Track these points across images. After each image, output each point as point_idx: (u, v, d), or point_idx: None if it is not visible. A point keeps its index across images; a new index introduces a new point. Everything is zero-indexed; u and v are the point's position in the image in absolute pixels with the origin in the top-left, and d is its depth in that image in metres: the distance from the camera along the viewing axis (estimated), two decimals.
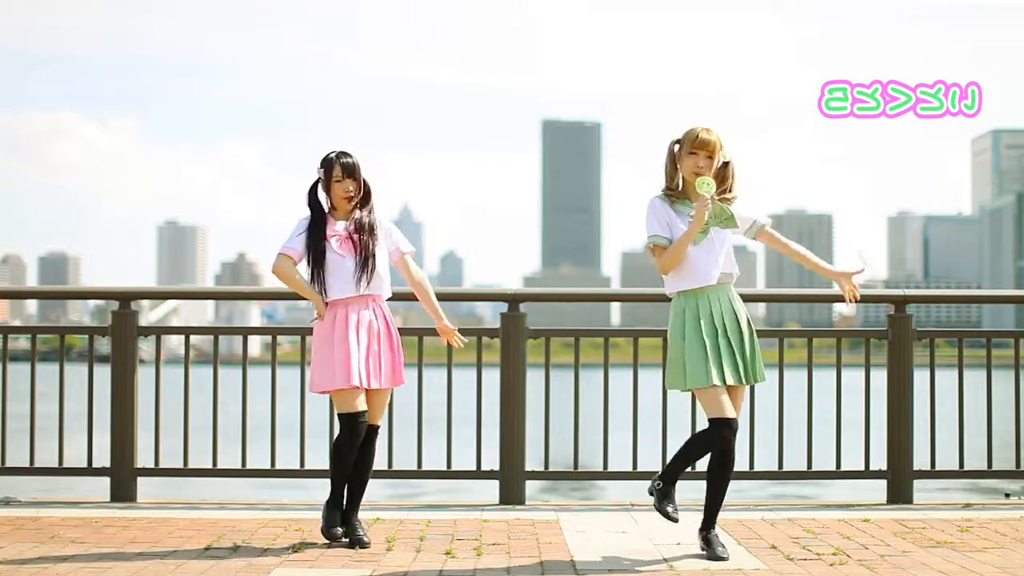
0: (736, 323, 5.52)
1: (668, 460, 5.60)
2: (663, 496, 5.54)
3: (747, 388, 5.64)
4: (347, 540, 5.74)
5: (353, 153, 5.86)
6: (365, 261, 5.77)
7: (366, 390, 5.79)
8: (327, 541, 5.79)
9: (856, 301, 5.89)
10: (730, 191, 5.57)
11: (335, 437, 5.85)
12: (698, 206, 5.39)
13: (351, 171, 5.79)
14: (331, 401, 6.14)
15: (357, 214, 5.82)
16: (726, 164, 5.54)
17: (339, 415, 5.80)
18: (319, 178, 5.82)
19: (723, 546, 5.50)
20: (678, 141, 5.55)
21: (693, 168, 5.45)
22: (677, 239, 5.44)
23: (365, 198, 5.85)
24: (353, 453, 5.79)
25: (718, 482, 5.54)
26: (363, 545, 5.68)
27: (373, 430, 5.86)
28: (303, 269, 5.86)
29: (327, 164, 5.80)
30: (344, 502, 5.83)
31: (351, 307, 5.78)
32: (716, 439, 5.43)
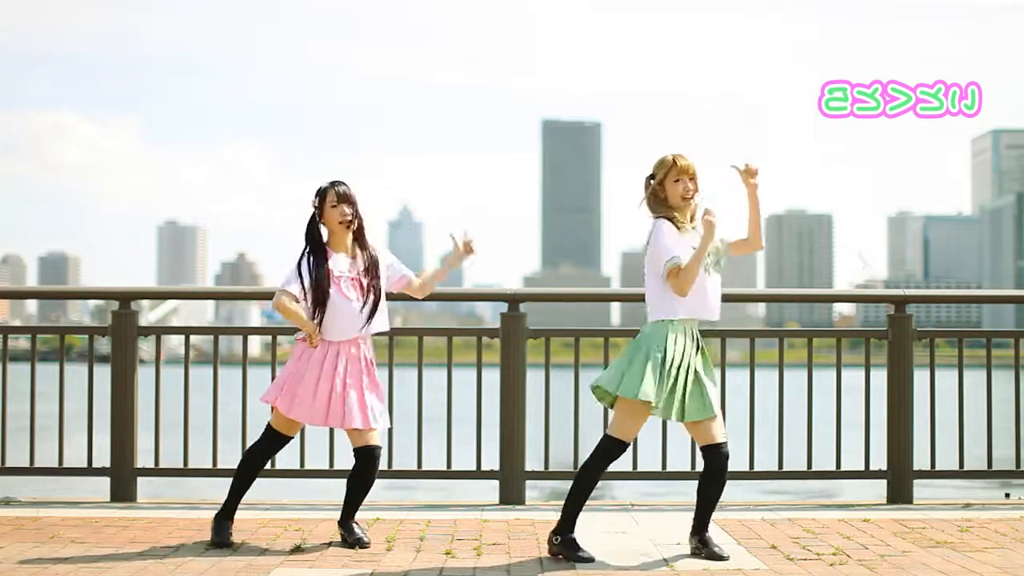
0: (702, 359, 5.53)
1: (567, 503, 5.57)
2: (571, 546, 5.48)
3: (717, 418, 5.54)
4: (347, 541, 5.74)
5: (347, 183, 5.84)
6: (375, 304, 5.77)
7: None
8: (326, 541, 5.80)
9: (747, 171, 5.57)
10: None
11: (254, 443, 5.91)
12: (706, 223, 5.42)
13: (346, 197, 5.77)
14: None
15: (360, 253, 5.80)
16: None
17: (270, 426, 5.85)
18: (314, 210, 5.80)
19: (719, 546, 5.50)
20: (652, 176, 5.57)
21: (683, 193, 5.49)
22: (690, 259, 5.43)
23: (359, 231, 5.83)
24: (262, 464, 5.86)
25: (712, 494, 5.54)
26: (363, 545, 5.68)
27: (372, 451, 5.79)
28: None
29: (321, 192, 5.79)
30: (235, 512, 5.87)
31: (345, 345, 5.76)
32: (606, 458, 5.55)
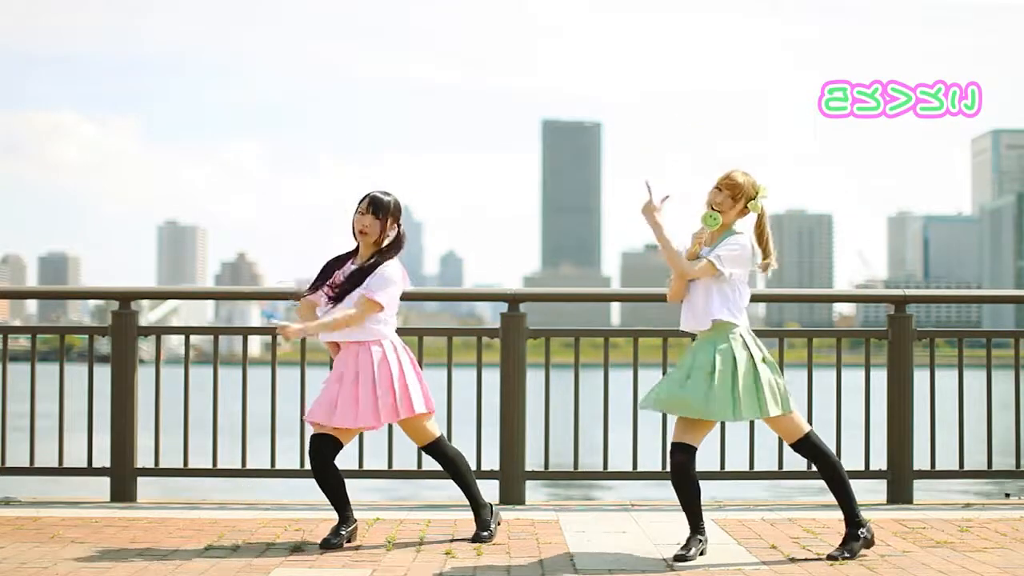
0: (710, 359, 5.42)
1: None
2: (684, 544, 5.48)
3: (777, 417, 5.57)
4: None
5: (395, 196, 5.78)
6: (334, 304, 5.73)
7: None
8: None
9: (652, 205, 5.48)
10: (766, 253, 5.59)
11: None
12: (693, 236, 5.50)
13: (375, 207, 5.70)
14: None
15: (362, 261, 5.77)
16: (759, 219, 5.58)
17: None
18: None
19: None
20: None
21: (709, 202, 5.51)
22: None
23: (394, 246, 5.78)
24: (323, 472, 5.75)
25: (829, 485, 5.58)
26: (479, 540, 5.80)
27: (428, 449, 5.92)
28: None
29: (363, 196, 5.77)
30: (347, 516, 5.79)
31: (342, 349, 5.80)
32: (671, 462, 5.51)
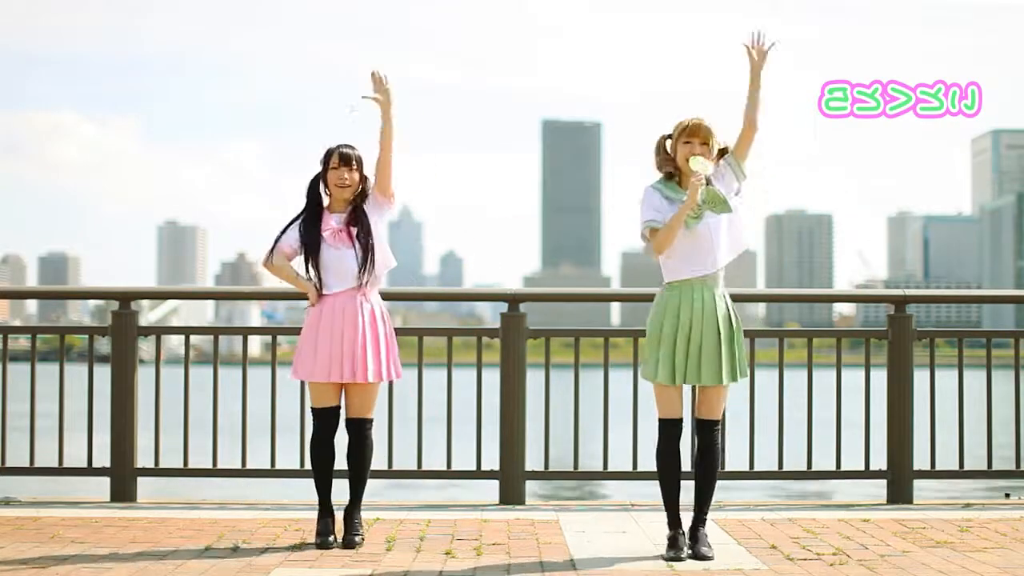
0: (715, 321, 5.45)
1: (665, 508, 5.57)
2: (669, 545, 5.49)
3: (727, 387, 5.56)
4: (341, 540, 5.73)
5: (357, 147, 5.85)
6: (367, 255, 5.74)
7: (346, 385, 5.77)
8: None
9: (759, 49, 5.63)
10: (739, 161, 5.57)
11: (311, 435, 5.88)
12: (691, 184, 5.37)
13: (348, 160, 5.78)
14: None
15: (352, 209, 5.80)
16: (723, 151, 5.56)
17: (311, 409, 5.83)
18: (320, 171, 5.83)
19: (709, 546, 5.47)
20: (668, 136, 5.56)
21: (687, 155, 5.45)
22: (670, 219, 5.43)
23: (363, 195, 5.85)
24: (326, 450, 5.78)
25: (702, 479, 5.55)
26: (350, 546, 5.66)
27: (363, 424, 5.79)
28: (297, 263, 5.87)
29: (327, 153, 5.82)
30: (332, 507, 5.81)
31: (341, 299, 5.75)
32: (665, 439, 5.51)
